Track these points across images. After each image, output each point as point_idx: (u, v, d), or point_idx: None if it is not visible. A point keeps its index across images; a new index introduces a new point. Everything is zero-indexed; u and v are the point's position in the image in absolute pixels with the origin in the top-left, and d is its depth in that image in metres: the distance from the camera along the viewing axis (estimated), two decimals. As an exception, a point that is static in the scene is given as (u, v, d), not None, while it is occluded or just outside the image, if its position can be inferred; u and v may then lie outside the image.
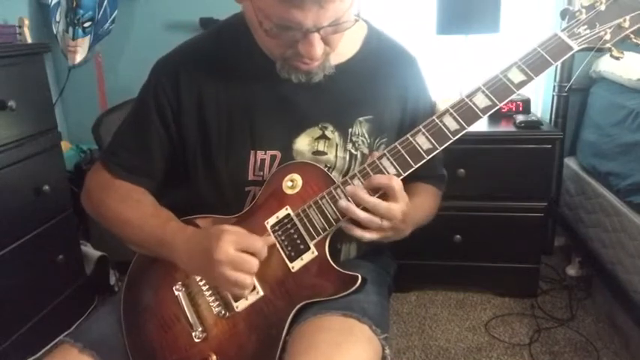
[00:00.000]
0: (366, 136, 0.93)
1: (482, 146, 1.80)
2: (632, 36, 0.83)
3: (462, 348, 1.73)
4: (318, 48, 0.78)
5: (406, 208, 0.82)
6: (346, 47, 0.90)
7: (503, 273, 1.94)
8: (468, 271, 1.97)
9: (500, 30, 1.91)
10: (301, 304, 0.84)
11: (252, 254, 0.80)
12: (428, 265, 1.98)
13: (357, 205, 0.81)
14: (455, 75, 2.07)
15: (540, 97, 2.21)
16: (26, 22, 1.89)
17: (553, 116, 2.15)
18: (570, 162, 2.14)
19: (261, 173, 0.91)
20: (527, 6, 2.13)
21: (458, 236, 1.89)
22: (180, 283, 0.90)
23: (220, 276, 0.80)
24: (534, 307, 1.91)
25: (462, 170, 1.78)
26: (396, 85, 0.96)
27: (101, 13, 2.13)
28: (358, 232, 0.82)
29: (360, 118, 0.93)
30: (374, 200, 0.80)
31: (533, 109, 2.06)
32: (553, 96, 2.14)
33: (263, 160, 0.91)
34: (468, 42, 2.01)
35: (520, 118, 1.87)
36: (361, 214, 0.80)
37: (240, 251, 0.79)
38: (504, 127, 1.87)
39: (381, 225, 0.81)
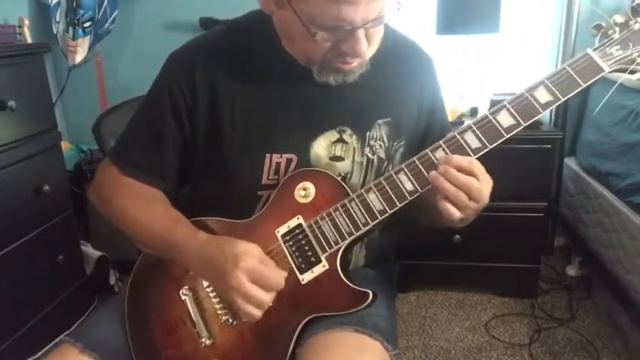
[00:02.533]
0: (385, 139, 0.90)
1: (482, 146, 1.80)
2: None
3: (461, 348, 1.73)
4: (364, 44, 0.76)
5: (489, 189, 0.78)
6: None
7: (503, 273, 1.95)
8: (468, 271, 1.97)
9: (500, 30, 1.91)
10: (310, 317, 0.83)
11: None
12: (428, 265, 1.98)
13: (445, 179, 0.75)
14: (455, 75, 2.07)
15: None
16: (26, 22, 1.89)
17: (553, 116, 2.15)
18: (570, 162, 2.14)
19: (276, 177, 0.88)
20: (527, 6, 2.13)
21: (458, 236, 1.89)
22: (186, 287, 0.88)
23: (230, 299, 0.79)
24: (534, 307, 1.91)
25: (462, 170, 1.77)
26: (413, 86, 0.94)
27: (101, 13, 2.13)
28: (452, 210, 0.75)
29: (379, 121, 0.90)
30: (467, 179, 0.75)
31: (533, 109, 2.06)
32: (553, 96, 2.13)
33: (278, 164, 0.87)
34: (468, 42, 2.01)
35: (520, 118, 1.86)
36: (452, 189, 0.74)
37: (255, 283, 0.76)
38: (504, 127, 1.86)
39: (468, 204, 0.75)
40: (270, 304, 0.79)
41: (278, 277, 0.78)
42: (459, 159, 0.76)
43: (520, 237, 1.88)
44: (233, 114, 0.88)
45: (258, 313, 0.78)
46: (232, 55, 0.89)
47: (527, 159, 1.81)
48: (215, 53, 0.89)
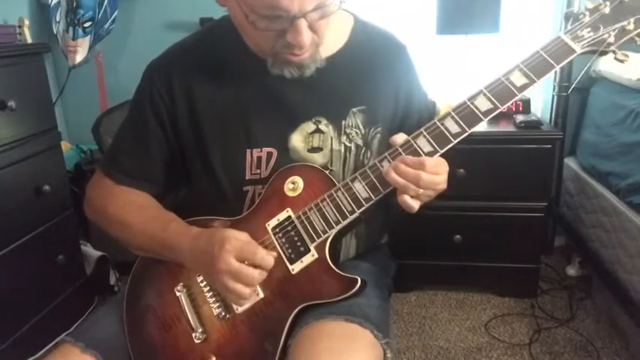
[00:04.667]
0: (361, 127, 0.93)
1: (482, 146, 1.80)
2: (637, 39, 0.82)
3: (461, 348, 1.73)
4: (306, 35, 0.77)
5: (445, 175, 0.84)
6: (334, 39, 0.89)
7: (504, 273, 1.95)
8: (468, 271, 1.97)
9: (500, 30, 1.91)
10: (301, 306, 0.84)
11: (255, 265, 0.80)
12: (428, 265, 1.98)
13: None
14: (455, 75, 2.07)
15: (540, 97, 2.21)
16: (26, 22, 1.89)
17: (553, 116, 2.15)
18: (570, 162, 2.14)
19: (258, 171, 0.91)
20: (527, 6, 2.13)
21: (458, 236, 1.89)
22: (181, 284, 0.90)
23: (220, 284, 0.81)
24: (534, 307, 1.91)
25: (461, 170, 1.78)
26: (388, 73, 0.95)
27: (101, 13, 2.13)
28: (409, 202, 0.80)
29: (354, 109, 0.92)
30: (415, 172, 0.79)
31: (533, 109, 2.06)
32: (553, 96, 2.13)
33: (259, 158, 0.90)
34: (467, 42, 2.01)
35: (520, 118, 1.87)
36: (401, 181, 0.79)
37: (241, 261, 0.79)
38: (504, 127, 1.87)
39: (419, 193, 0.80)
40: (260, 289, 0.81)
41: (263, 250, 0.81)
42: (410, 158, 0.81)
43: (520, 237, 1.88)
44: (211, 114, 0.91)
45: (247, 291, 0.80)
46: (205, 58, 0.92)
47: (527, 159, 1.81)
48: (189, 58, 0.93)
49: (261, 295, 0.84)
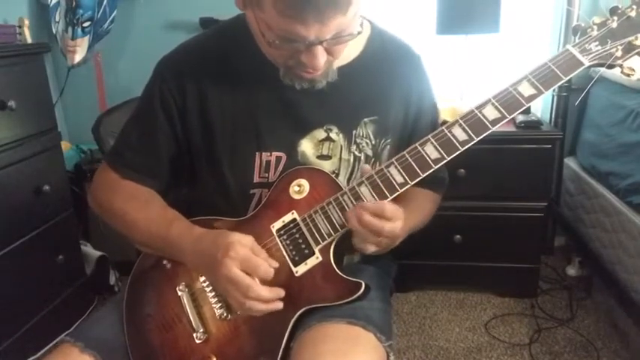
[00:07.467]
0: (371, 137, 0.93)
1: (482, 146, 1.77)
2: None
3: (462, 348, 1.73)
4: (321, 59, 0.77)
5: (403, 224, 0.82)
6: (350, 49, 0.89)
7: (504, 273, 1.95)
8: (468, 271, 1.97)
9: (500, 30, 1.91)
10: (304, 309, 0.84)
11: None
12: (428, 265, 1.98)
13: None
14: (455, 75, 2.08)
15: (540, 97, 2.21)
16: (26, 22, 1.89)
17: (553, 116, 2.15)
18: (570, 162, 2.14)
19: (267, 175, 0.90)
20: (527, 6, 2.13)
21: (458, 236, 1.89)
22: (183, 283, 0.90)
23: (223, 289, 0.81)
24: (534, 307, 1.91)
25: (462, 170, 1.78)
26: (400, 84, 0.95)
27: (100, 12, 2.13)
28: (362, 246, 0.82)
29: (365, 119, 0.92)
30: (378, 223, 0.79)
31: (533, 109, 2.06)
32: (553, 96, 2.14)
33: (268, 162, 0.90)
34: (468, 42, 2.01)
35: (520, 118, 1.87)
36: (362, 231, 0.80)
37: (245, 271, 0.78)
38: (504, 127, 1.84)
39: (380, 242, 0.82)
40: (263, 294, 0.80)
41: (266, 265, 0.80)
42: (372, 206, 0.80)
43: (520, 237, 1.88)
44: (222, 115, 0.90)
45: (247, 303, 0.79)
46: (219, 58, 0.91)
47: (527, 159, 1.81)
48: (202, 58, 0.92)
49: (261, 292, 0.81)
